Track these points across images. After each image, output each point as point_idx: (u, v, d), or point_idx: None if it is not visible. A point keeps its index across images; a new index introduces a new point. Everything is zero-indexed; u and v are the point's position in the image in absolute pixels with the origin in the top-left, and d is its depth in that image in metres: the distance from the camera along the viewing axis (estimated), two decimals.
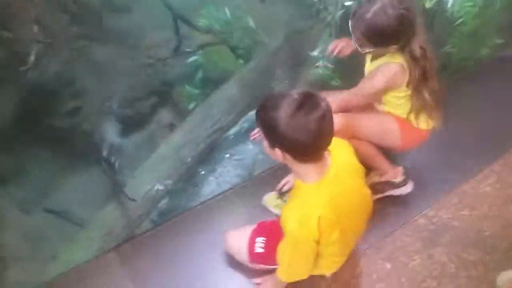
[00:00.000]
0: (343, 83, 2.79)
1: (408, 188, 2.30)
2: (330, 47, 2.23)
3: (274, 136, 1.39)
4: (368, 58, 2.07)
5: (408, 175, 2.30)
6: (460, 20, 2.63)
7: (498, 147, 2.54)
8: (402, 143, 2.11)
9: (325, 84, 2.88)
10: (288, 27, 2.98)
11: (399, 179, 2.28)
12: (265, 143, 1.49)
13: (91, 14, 3.49)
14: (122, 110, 3.85)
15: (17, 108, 2.94)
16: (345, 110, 1.97)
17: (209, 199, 2.64)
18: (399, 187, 2.29)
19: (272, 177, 2.46)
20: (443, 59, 3.12)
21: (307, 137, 1.34)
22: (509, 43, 3.29)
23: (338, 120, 1.87)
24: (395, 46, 1.85)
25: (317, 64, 2.77)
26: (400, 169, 2.29)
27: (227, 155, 3.55)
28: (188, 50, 3.16)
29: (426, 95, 1.94)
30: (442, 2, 2.14)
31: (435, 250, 2.07)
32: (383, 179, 2.26)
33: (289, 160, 1.46)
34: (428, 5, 2.31)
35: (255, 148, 3.62)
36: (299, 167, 1.48)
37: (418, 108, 1.99)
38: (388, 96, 2.03)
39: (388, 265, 2.02)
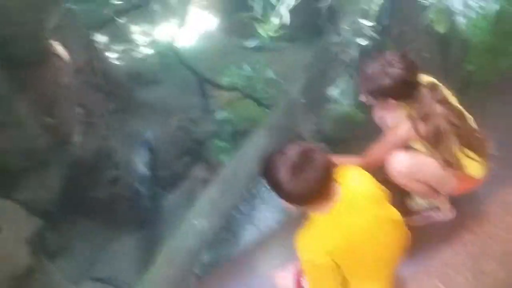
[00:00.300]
0: (368, 117, 2.82)
1: (453, 214, 2.26)
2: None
3: (282, 195, 1.48)
4: None
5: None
6: (475, 39, 2.69)
7: None
8: (456, 190, 2.08)
9: (350, 120, 2.95)
10: (309, 71, 3.12)
11: (446, 205, 2.26)
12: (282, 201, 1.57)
13: (122, 90, 3.78)
14: (157, 173, 4.04)
15: (63, 186, 3.10)
16: (379, 163, 1.97)
17: (249, 244, 2.67)
18: (445, 213, 2.27)
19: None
20: (465, 79, 3.16)
21: (310, 191, 1.44)
22: None
23: (404, 162, 1.89)
24: (401, 102, 1.89)
25: (340, 104, 2.84)
26: (447, 196, 2.25)
27: (263, 201, 3.62)
28: (215, 108, 3.32)
29: (452, 146, 1.88)
30: (455, 24, 2.21)
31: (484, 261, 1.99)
32: (431, 205, 2.25)
33: (300, 208, 1.54)
34: (442, 30, 2.39)
35: None
36: (310, 208, 1.55)
37: (449, 159, 1.92)
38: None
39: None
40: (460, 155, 1.91)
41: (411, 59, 1.80)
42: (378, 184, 1.65)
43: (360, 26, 1.99)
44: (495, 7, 1.96)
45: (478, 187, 2.09)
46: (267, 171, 1.48)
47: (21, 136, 2.74)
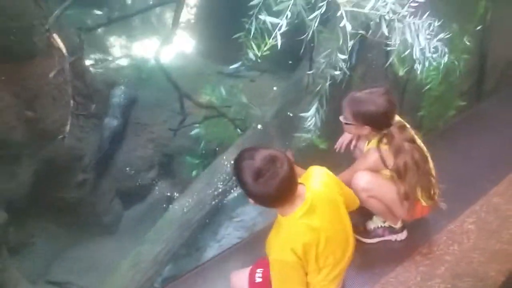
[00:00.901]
0: (329, 146, 3.01)
1: (404, 235, 2.51)
2: (339, 141, 2.47)
3: (248, 195, 1.62)
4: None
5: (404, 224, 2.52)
6: (427, 86, 3.09)
7: (475, 191, 2.88)
8: (408, 216, 2.30)
9: (313, 148, 3.20)
10: (281, 99, 3.40)
11: (398, 225, 2.51)
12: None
13: (99, 97, 3.86)
14: (124, 183, 4.09)
15: (32, 181, 3.11)
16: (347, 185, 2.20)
17: (211, 260, 2.73)
18: (397, 233, 2.52)
19: (268, 233, 2.58)
20: (416, 123, 3.58)
21: (272, 195, 1.58)
22: (470, 105, 3.87)
23: (365, 178, 2.13)
24: (375, 131, 2.11)
25: (306, 131, 3.00)
26: (399, 218, 2.48)
27: (228, 218, 3.75)
28: (191, 123, 3.47)
29: (413, 183, 2.11)
30: (413, 69, 2.50)
31: (433, 282, 2.26)
32: (386, 224, 2.45)
33: (265, 207, 1.71)
34: (401, 73, 2.74)
35: (253, 211, 3.84)
36: (275, 209, 1.70)
37: (409, 193, 2.13)
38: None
39: None
40: (417, 191, 2.19)
41: (393, 96, 2.09)
42: (339, 184, 1.87)
43: (334, 60, 2.26)
44: (444, 59, 2.29)
45: (427, 215, 2.38)
46: (237, 171, 1.61)
47: None
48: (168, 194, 4.24)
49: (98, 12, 4.47)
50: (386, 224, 2.49)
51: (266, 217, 3.67)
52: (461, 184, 3.00)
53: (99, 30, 4.40)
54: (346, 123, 2.12)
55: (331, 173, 1.85)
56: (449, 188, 2.89)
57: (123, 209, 3.99)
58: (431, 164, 2.24)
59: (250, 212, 3.71)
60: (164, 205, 4.06)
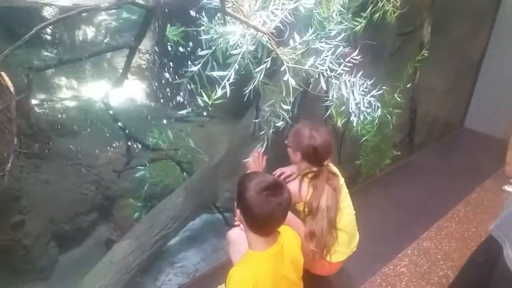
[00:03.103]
0: None
1: None
2: (277, 172, 2.50)
3: (242, 205, 1.70)
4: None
5: None
6: (364, 138, 3.34)
7: (407, 235, 3.10)
8: (311, 268, 2.32)
9: None
10: (228, 144, 3.50)
11: None
12: (237, 211, 1.77)
13: (41, 137, 3.76)
14: (62, 226, 3.91)
15: None
16: None
17: None
18: None
19: (211, 279, 2.61)
20: (354, 170, 3.82)
21: (261, 213, 1.66)
22: (404, 154, 4.22)
23: None
24: (305, 162, 2.24)
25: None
26: None
27: (169, 264, 3.68)
28: (136, 165, 3.43)
29: (320, 223, 2.16)
30: (349, 121, 2.69)
31: None
32: None
33: (246, 228, 1.76)
34: (338, 124, 2.96)
35: (196, 256, 3.80)
36: (252, 237, 1.76)
37: (316, 233, 2.16)
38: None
39: None
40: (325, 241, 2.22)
41: (331, 140, 2.28)
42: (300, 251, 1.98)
43: (277, 109, 2.41)
44: (377, 113, 2.52)
45: (335, 270, 2.44)
46: (244, 180, 1.71)
47: None
48: (108, 237, 4.11)
49: (48, 54, 4.44)
50: None
51: (210, 263, 3.66)
52: (394, 229, 3.22)
53: (49, 71, 4.34)
54: (287, 145, 2.32)
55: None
56: (383, 232, 3.10)
57: (58, 253, 3.79)
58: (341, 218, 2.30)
59: (193, 257, 3.67)
60: (103, 249, 3.93)
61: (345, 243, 2.34)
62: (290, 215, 2.20)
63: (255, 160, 2.38)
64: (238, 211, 1.77)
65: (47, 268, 3.61)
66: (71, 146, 4.01)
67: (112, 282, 3.02)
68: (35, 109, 3.87)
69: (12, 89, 2.08)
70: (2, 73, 2.11)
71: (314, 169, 2.27)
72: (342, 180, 2.35)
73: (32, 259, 3.44)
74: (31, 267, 3.47)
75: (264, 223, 1.74)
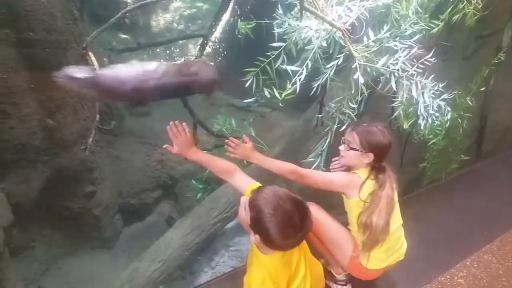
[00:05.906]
0: None
1: None
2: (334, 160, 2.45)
3: (258, 230, 1.63)
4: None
5: (349, 279, 2.44)
6: (432, 141, 3.22)
7: (468, 245, 2.98)
8: (347, 267, 2.28)
9: None
10: (289, 136, 3.54)
11: (340, 277, 2.43)
12: (252, 232, 1.69)
13: (116, 114, 4.03)
14: (128, 200, 4.19)
15: (43, 187, 3.23)
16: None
17: (203, 285, 2.76)
18: (338, 284, 2.45)
19: None
20: (418, 173, 3.70)
21: (283, 245, 1.65)
22: (470, 161, 4.02)
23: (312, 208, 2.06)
24: (373, 162, 2.13)
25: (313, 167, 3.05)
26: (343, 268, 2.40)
27: (224, 246, 3.82)
28: (200, 149, 3.56)
29: (375, 241, 2.10)
30: (417, 123, 2.62)
31: None
32: (328, 268, 2.43)
33: (260, 243, 1.68)
34: (405, 126, 2.87)
35: None
36: (266, 249, 1.73)
37: (366, 244, 2.12)
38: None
39: None
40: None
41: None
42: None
43: (344, 107, 2.41)
44: (447, 117, 2.44)
45: (372, 277, 2.33)
46: (260, 205, 1.61)
47: (19, 130, 2.95)
48: (169, 214, 4.33)
49: (126, 37, 4.73)
50: (328, 269, 2.45)
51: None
52: (454, 237, 3.10)
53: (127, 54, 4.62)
54: (351, 148, 2.15)
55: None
56: (442, 239, 3.00)
57: (123, 225, 4.07)
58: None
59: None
60: (163, 225, 4.16)
61: (384, 251, 2.23)
62: (340, 227, 2.26)
63: (177, 136, 2.08)
64: (255, 236, 1.69)
65: (112, 238, 3.88)
66: (141, 126, 4.25)
67: (172, 258, 3.19)
68: None
69: (98, 68, 2.26)
70: (90, 53, 2.31)
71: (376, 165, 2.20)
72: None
73: (100, 228, 3.72)
74: (99, 235, 3.75)
75: (283, 249, 1.74)
